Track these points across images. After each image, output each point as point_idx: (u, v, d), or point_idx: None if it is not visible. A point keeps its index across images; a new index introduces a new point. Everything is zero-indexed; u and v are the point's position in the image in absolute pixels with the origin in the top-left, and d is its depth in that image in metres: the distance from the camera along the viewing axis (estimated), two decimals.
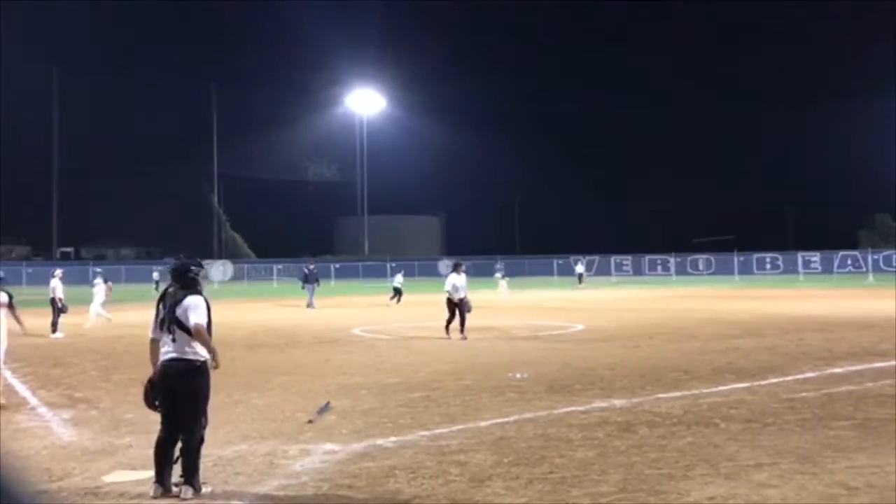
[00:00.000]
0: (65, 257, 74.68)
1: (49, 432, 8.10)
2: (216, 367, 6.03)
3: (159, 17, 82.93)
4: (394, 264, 58.27)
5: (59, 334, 18.36)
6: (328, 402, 8.93)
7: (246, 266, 67.40)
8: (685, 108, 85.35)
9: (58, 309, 18.64)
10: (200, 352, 5.88)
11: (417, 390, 10.00)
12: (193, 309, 5.87)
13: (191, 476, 5.72)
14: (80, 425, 8.35)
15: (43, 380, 11.72)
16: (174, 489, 5.74)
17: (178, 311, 5.87)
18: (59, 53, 72.84)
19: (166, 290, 6.13)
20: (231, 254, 75.98)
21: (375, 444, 7.23)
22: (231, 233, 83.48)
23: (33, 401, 9.97)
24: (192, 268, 6.17)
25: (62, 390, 10.69)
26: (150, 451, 5.92)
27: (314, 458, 6.77)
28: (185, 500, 5.63)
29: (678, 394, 9.23)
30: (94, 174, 74.85)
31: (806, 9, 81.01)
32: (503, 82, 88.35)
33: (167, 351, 5.90)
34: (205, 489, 5.78)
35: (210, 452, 6.83)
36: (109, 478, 6.27)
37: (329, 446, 7.14)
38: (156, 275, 48.72)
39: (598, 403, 8.86)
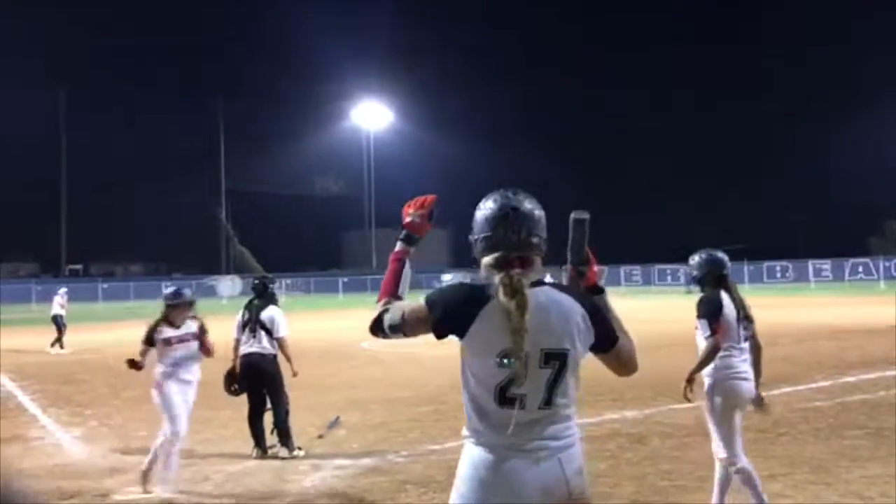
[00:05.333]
0: (73, 274, 74.88)
1: (59, 450, 8.11)
2: (295, 376, 7.54)
3: (165, 33, 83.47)
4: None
5: (63, 350, 18.73)
6: (338, 417, 8.90)
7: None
8: (695, 119, 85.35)
9: (61, 326, 19.13)
10: (271, 347, 7.50)
11: (427, 404, 9.97)
12: (280, 321, 7.56)
13: (284, 440, 7.35)
14: (90, 443, 8.36)
15: (53, 397, 11.74)
16: (271, 451, 7.33)
17: (264, 317, 7.52)
18: (64, 72, 73.35)
19: (251, 301, 7.79)
20: (239, 269, 76.08)
21: (386, 458, 7.21)
22: (239, 248, 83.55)
23: (44, 419, 9.98)
24: (267, 283, 8.06)
25: (72, 408, 10.70)
26: (160, 469, 6.10)
27: (325, 473, 6.75)
28: (283, 458, 7.20)
29: (691, 405, 9.13)
30: (102, 191, 75.09)
31: (814, 17, 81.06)
32: (511, 95, 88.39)
33: (249, 347, 7.48)
34: (298, 452, 7.29)
35: (221, 468, 6.83)
36: (120, 495, 6.26)
37: (339, 461, 7.12)
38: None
39: (610, 415, 8.82)
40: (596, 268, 2.72)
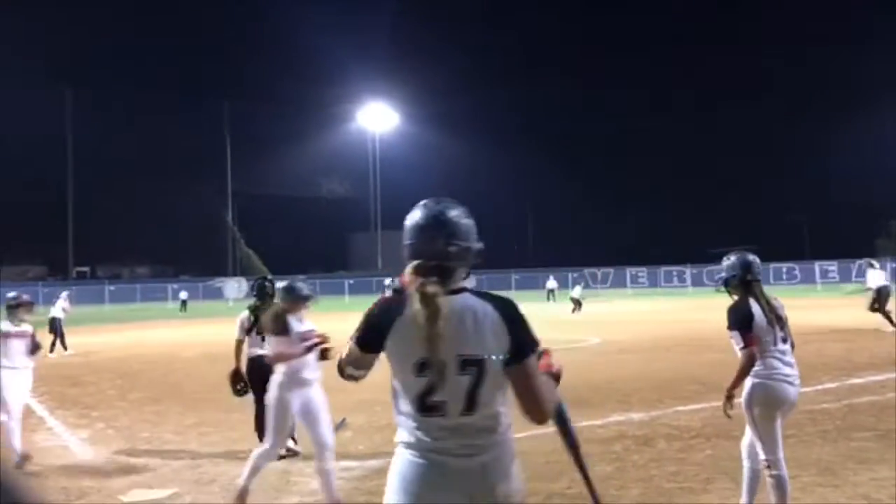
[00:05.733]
0: (81, 277, 75.10)
1: (66, 451, 8.14)
2: None
3: (171, 35, 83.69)
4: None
5: (67, 351, 18.79)
6: (344, 419, 8.88)
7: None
8: (695, 119, 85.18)
9: (59, 330, 19.11)
10: None
11: None
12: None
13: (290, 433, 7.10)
14: (97, 444, 8.38)
15: (60, 399, 11.77)
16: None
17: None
18: (65, 72, 73.57)
19: (255, 303, 7.93)
20: (245, 271, 76.17)
21: (391, 460, 7.19)
22: (245, 250, 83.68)
23: (51, 421, 10.01)
24: (267, 285, 8.11)
25: (79, 409, 10.73)
26: (166, 470, 6.19)
27: None
28: (290, 448, 7.27)
29: (696, 406, 9.14)
30: (109, 194, 75.31)
31: (814, 17, 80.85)
32: (511, 95, 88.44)
33: (257, 349, 7.43)
34: (297, 447, 7.33)
35: (227, 470, 6.83)
36: (127, 497, 6.28)
37: (345, 463, 7.12)
38: (183, 294, 49.27)
39: (616, 417, 8.80)
40: (547, 359, 2.69)
